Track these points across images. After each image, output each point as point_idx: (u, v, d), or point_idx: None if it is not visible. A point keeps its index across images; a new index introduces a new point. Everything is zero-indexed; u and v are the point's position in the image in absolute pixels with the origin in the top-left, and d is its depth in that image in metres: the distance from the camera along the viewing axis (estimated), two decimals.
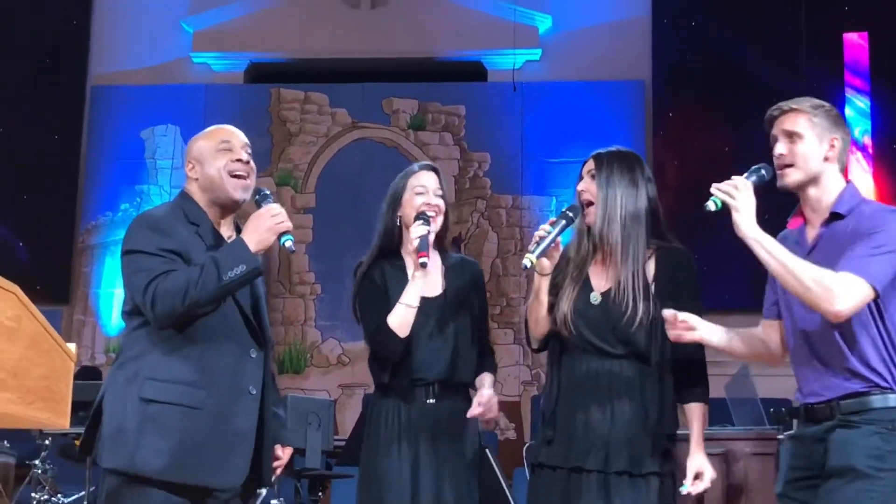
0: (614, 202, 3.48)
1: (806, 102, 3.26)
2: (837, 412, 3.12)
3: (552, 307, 3.51)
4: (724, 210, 3.12)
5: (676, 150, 9.43)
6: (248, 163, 3.39)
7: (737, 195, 3.12)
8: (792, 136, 3.23)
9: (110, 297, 9.60)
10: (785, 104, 3.27)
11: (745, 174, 3.20)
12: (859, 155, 9.32)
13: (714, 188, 3.15)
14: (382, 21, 10.03)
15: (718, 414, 6.88)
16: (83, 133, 10.02)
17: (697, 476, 3.41)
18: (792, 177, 3.22)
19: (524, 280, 9.15)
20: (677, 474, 3.45)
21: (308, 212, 9.82)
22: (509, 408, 9.27)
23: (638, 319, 3.41)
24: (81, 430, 3.37)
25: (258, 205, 3.37)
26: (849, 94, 9.37)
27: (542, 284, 3.49)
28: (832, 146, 3.21)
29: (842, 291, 3.01)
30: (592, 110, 9.58)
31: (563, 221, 3.45)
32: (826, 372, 3.16)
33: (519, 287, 9.31)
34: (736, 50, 9.44)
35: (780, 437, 4.62)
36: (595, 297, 3.49)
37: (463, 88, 10.03)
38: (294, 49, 10.15)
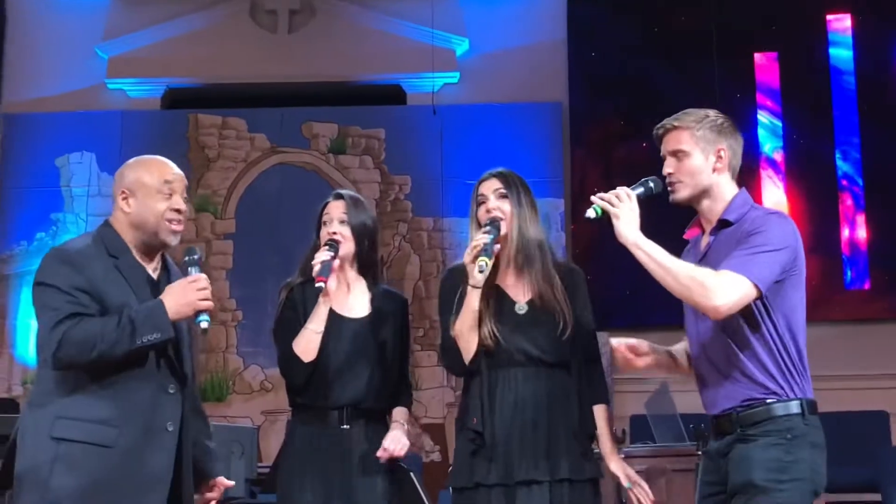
0: (526, 219, 3.58)
1: (689, 117, 3.29)
2: (738, 425, 3.13)
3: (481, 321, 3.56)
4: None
5: (595, 171, 9.54)
6: (185, 211, 3.35)
7: (618, 203, 3.16)
8: (677, 153, 3.27)
9: (27, 328, 9.43)
10: (668, 121, 3.31)
11: (633, 186, 3.24)
12: (771, 171, 9.50)
13: (594, 197, 3.20)
14: (300, 45, 10.02)
15: (639, 431, 6.97)
16: None
17: (633, 482, 3.52)
18: (681, 193, 3.28)
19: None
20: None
21: (228, 237, 9.75)
22: (434, 430, 9.28)
23: (570, 327, 3.51)
24: None
25: (184, 269, 3.33)
26: (760, 112, 9.56)
27: (474, 296, 3.53)
28: (720, 157, 3.26)
29: (719, 288, 3.03)
30: (511, 132, 9.64)
31: (496, 230, 3.53)
32: (724, 380, 3.17)
33: None
34: (651, 70, 9.57)
35: (701, 451, 4.69)
36: (521, 307, 3.56)
37: (382, 112, 10.04)
38: (211, 74, 10.09)
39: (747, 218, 3.21)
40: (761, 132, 9.51)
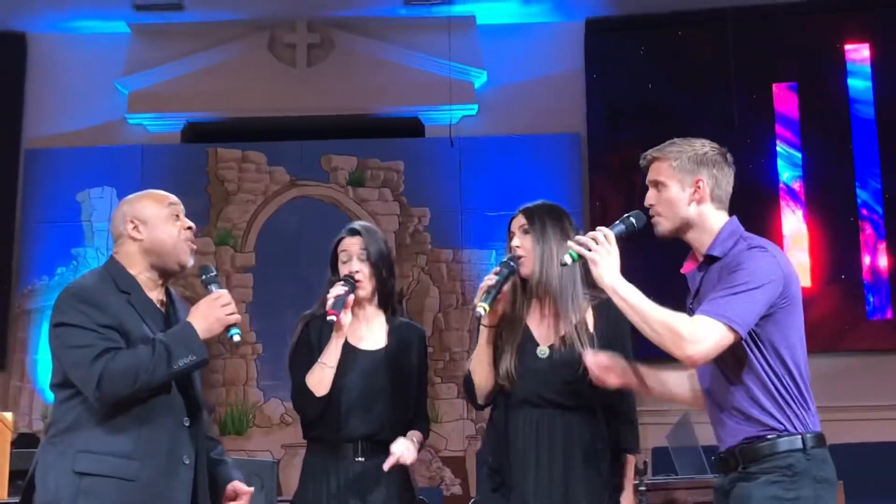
0: (550, 254, 3.55)
1: (670, 147, 3.25)
2: (740, 461, 3.07)
3: (496, 360, 3.55)
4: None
5: (615, 201, 9.54)
6: (194, 229, 3.40)
7: (594, 247, 3.09)
8: (657, 184, 3.22)
9: (48, 363, 9.45)
10: (650, 152, 3.27)
11: (613, 224, 3.19)
12: (790, 201, 9.48)
13: (570, 242, 3.14)
14: (319, 79, 10.07)
15: (661, 463, 6.92)
16: (18, 197, 9.91)
17: None
18: (662, 226, 3.22)
19: (467, 334, 9.17)
20: None
21: (248, 271, 9.78)
22: (454, 463, 9.25)
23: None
24: (17, 500, 3.32)
25: (205, 285, 3.35)
26: (779, 142, 9.56)
27: (488, 336, 3.53)
28: (697, 188, 3.17)
29: (693, 336, 2.95)
30: (530, 163, 9.66)
31: (507, 271, 3.52)
32: (725, 417, 3.12)
33: (462, 341, 9.31)
34: (670, 99, 9.59)
35: None
36: (542, 351, 3.55)
37: (401, 144, 10.07)
38: (231, 108, 10.15)
39: (732, 253, 3.13)
40: (780, 162, 9.50)
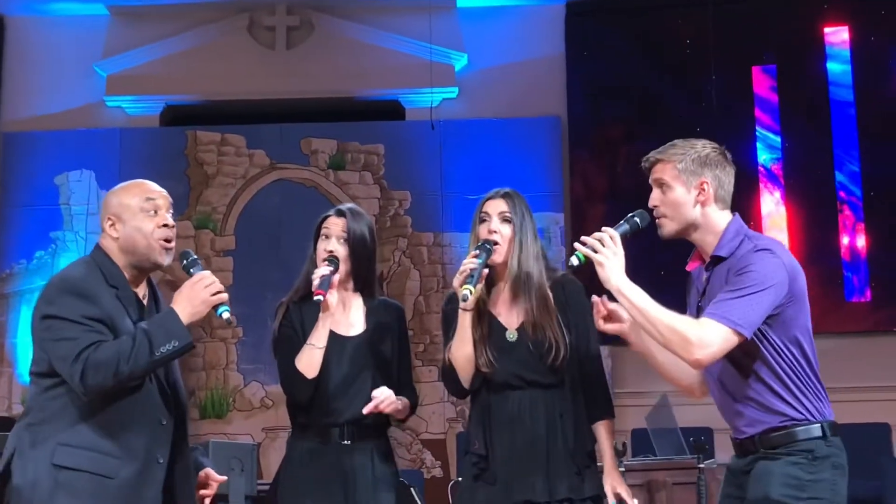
0: (527, 244, 3.59)
1: (673, 149, 3.27)
2: (761, 446, 3.14)
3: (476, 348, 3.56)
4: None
5: (593, 184, 9.56)
6: (173, 227, 3.32)
7: (601, 249, 3.11)
8: (662, 185, 3.25)
9: (26, 346, 9.45)
10: (653, 154, 3.29)
11: (618, 224, 3.21)
12: (769, 184, 9.52)
13: (577, 244, 3.16)
14: (299, 62, 10.05)
15: (640, 444, 6.97)
16: None
17: (618, 497, 3.53)
18: (667, 227, 3.25)
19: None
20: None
21: (228, 254, 9.76)
22: (434, 445, 9.28)
23: (563, 350, 3.52)
24: None
25: (187, 271, 3.32)
26: (758, 125, 9.59)
27: (467, 320, 3.55)
28: (702, 190, 3.21)
29: (700, 341, 3.01)
30: (511, 146, 9.67)
31: (485, 255, 3.53)
32: (743, 409, 3.17)
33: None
34: (650, 82, 9.61)
35: (701, 465, 4.69)
36: (511, 335, 3.59)
37: (381, 127, 10.06)
38: (210, 91, 10.11)
39: (737, 253, 3.17)
40: (759, 144, 9.54)
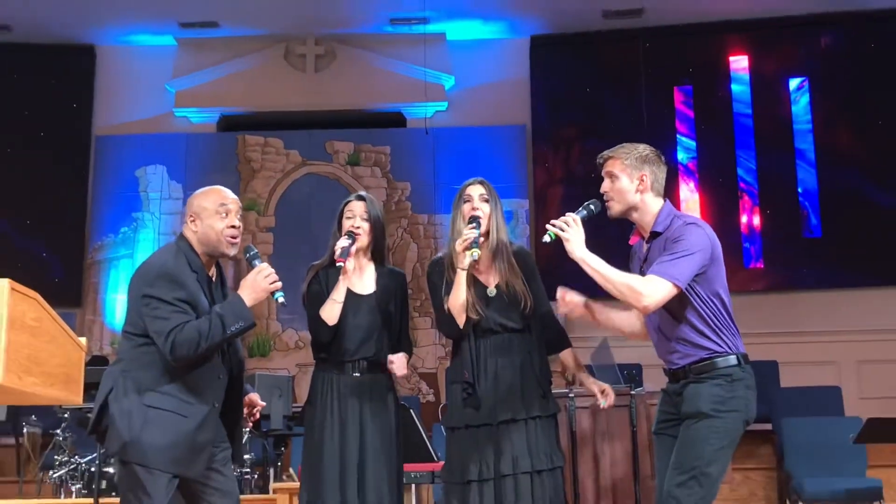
0: (500, 220, 3.59)
1: (621, 149, 3.31)
2: (691, 373, 3.17)
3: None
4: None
5: (552, 178, 9.56)
6: (239, 227, 3.31)
7: (567, 229, 3.15)
8: (611, 176, 3.28)
9: (114, 301, 9.43)
10: (606, 152, 3.33)
11: (577, 210, 3.24)
12: (687, 178, 9.52)
13: (549, 224, 3.19)
14: (324, 82, 10.00)
15: None
16: (89, 173, 9.83)
17: (603, 391, 3.57)
18: (614, 209, 3.29)
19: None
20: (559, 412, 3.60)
21: (269, 231, 9.74)
22: (428, 377, 9.29)
23: (530, 303, 3.55)
24: (92, 404, 3.31)
25: (249, 262, 3.32)
26: (678, 132, 9.58)
27: (463, 277, 3.55)
28: (642, 181, 3.25)
29: (646, 291, 3.06)
30: (488, 147, 9.65)
31: (479, 227, 3.55)
32: (677, 346, 3.20)
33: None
34: (595, 100, 9.59)
35: (633, 392, 4.69)
36: (491, 291, 3.59)
37: (387, 133, 10.02)
38: (256, 104, 10.07)
39: (671, 227, 3.22)
40: (679, 147, 9.53)
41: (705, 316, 3.16)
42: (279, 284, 3.25)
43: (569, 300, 3.38)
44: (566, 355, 3.68)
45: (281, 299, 3.26)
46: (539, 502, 3.40)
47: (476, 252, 3.44)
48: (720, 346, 3.15)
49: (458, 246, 3.49)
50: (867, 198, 9.12)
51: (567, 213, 3.19)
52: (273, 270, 3.26)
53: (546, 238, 3.18)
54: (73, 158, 9.80)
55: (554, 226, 3.17)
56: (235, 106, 10.09)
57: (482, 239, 3.53)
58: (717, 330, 3.16)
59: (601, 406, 3.58)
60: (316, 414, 3.70)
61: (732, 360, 3.15)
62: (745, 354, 3.21)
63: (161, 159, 9.78)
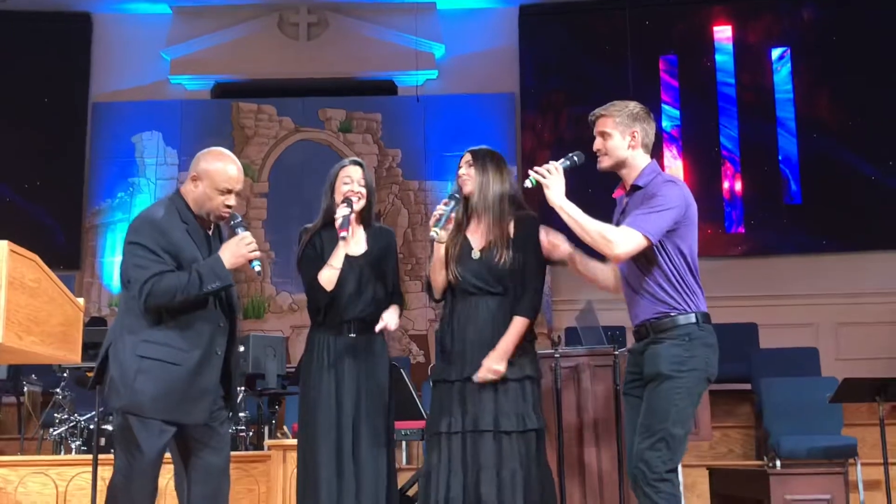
0: (487, 181, 3.59)
1: (613, 107, 3.31)
2: (651, 331, 3.19)
3: (447, 263, 3.58)
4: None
5: (540, 144, 9.54)
6: (233, 206, 3.36)
7: (548, 176, 3.17)
8: (604, 134, 3.29)
9: (111, 264, 9.41)
10: (598, 110, 3.34)
11: (561, 159, 3.25)
12: (670, 145, 9.51)
13: (531, 171, 3.21)
14: (317, 49, 9.92)
15: (571, 338, 7.02)
16: (87, 138, 9.76)
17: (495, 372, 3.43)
18: (604, 163, 3.31)
19: (428, 244, 9.14)
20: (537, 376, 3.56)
21: (263, 196, 9.71)
22: (419, 339, 9.33)
23: (508, 266, 3.51)
24: (92, 364, 3.35)
25: (233, 228, 3.34)
26: (663, 101, 9.56)
27: (440, 251, 3.57)
28: (633, 137, 3.27)
29: (618, 240, 3.09)
30: (478, 115, 9.61)
31: (454, 203, 3.54)
32: (639, 299, 3.23)
33: (424, 249, 9.29)
34: (583, 68, 9.54)
35: (616, 353, 4.72)
36: (475, 254, 3.59)
37: (379, 101, 9.95)
38: (249, 71, 9.98)
39: (651, 183, 3.23)
40: (663, 116, 9.51)
41: (669, 273, 3.17)
42: (258, 254, 3.32)
43: (552, 238, 3.41)
44: (515, 320, 3.47)
45: (258, 268, 3.32)
46: (508, 462, 3.39)
47: (435, 232, 3.47)
48: (679, 304, 3.16)
49: (431, 221, 3.54)
50: (846, 165, 9.14)
51: (550, 162, 3.22)
52: (254, 240, 3.31)
53: (527, 183, 3.22)
54: (71, 125, 9.72)
55: (536, 172, 3.19)
56: (229, 73, 10.00)
57: (453, 214, 3.53)
58: (678, 288, 3.17)
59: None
60: (312, 373, 3.71)
61: (691, 318, 3.15)
62: (706, 314, 3.21)
63: (157, 126, 9.71)
